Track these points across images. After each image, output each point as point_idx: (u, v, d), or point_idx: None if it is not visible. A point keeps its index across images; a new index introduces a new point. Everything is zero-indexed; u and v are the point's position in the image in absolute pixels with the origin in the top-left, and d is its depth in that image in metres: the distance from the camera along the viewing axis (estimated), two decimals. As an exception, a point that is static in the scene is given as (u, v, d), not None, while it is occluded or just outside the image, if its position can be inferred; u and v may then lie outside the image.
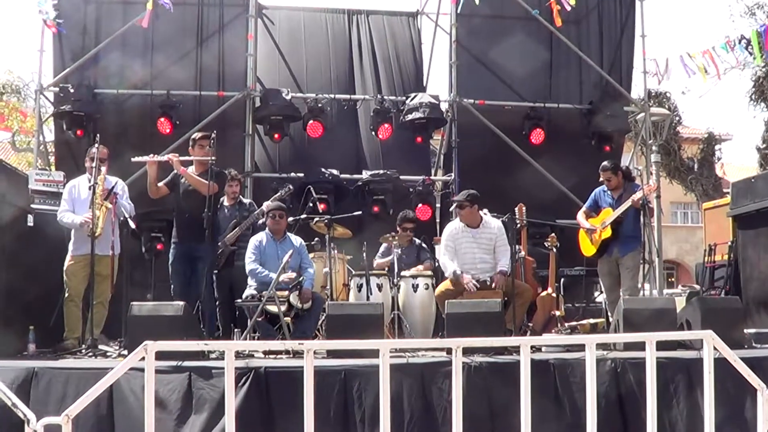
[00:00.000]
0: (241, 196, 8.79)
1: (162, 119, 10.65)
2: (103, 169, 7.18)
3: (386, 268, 8.59)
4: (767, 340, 7.11)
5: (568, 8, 11.22)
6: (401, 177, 11.21)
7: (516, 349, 4.83)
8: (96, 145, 7.20)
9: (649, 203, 7.64)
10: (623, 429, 5.59)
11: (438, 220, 11.72)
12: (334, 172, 11.04)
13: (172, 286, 7.50)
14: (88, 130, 10.44)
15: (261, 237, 7.71)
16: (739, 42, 11.52)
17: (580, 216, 8.22)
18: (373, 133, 11.35)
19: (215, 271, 7.75)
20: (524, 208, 8.66)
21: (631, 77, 12.57)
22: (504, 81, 11.86)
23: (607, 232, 7.77)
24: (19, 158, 21.83)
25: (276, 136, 11.06)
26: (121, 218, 7.27)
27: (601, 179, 8.07)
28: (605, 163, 8.21)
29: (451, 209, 10.89)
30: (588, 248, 8.08)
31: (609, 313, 7.67)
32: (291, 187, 9.20)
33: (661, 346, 4.63)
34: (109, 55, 11.02)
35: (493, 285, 7.55)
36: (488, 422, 5.45)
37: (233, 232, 8.20)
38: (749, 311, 8.07)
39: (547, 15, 11.58)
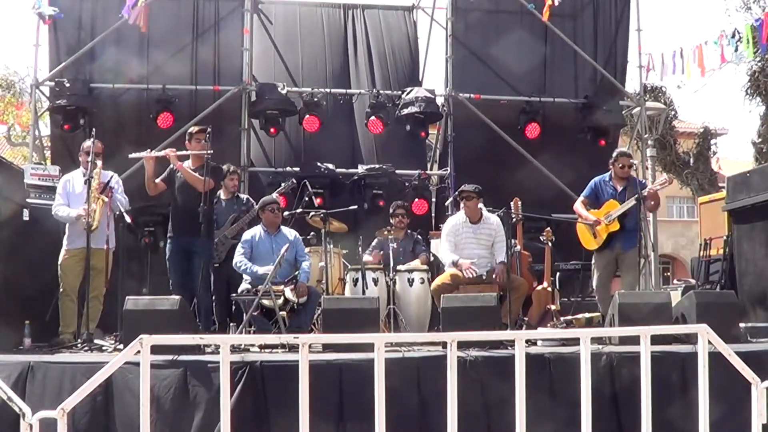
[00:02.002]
0: (237, 192, 8.80)
1: (164, 114, 10.59)
2: (99, 163, 7.18)
3: (380, 261, 8.59)
4: (762, 334, 7.15)
5: (557, 2, 11.21)
6: (397, 171, 11.22)
7: (511, 343, 4.85)
8: (91, 139, 7.20)
9: (645, 198, 7.59)
10: (618, 423, 5.60)
11: (433, 215, 11.73)
12: (330, 166, 11.03)
13: (170, 281, 7.52)
14: (84, 125, 10.42)
15: (254, 232, 7.73)
16: (732, 37, 11.50)
17: (579, 206, 7.85)
18: (366, 127, 11.35)
19: (216, 265, 7.76)
20: (519, 202, 8.66)
21: (626, 72, 12.58)
22: (500, 75, 11.83)
23: (615, 225, 7.52)
24: (15, 153, 21.83)
25: (272, 130, 11.05)
26: (117, 212, 7.28)
27: (620, 165, 7.67)
28: (625, 149, 8.03)
29: (446, 203, 10.91)
30: (589, 241, 7.76)
31: (600, 308, 7.65)
32: (294, 180, 9.24)
33: (657, 340, 4.62)
34: (105, 50, 10.97)
35: (494, 276, 7.58)
36: (483, 416, 5.45)
37: (234, 226, 8.22)
38: (744, 305, 8.09)
39: (543, 9, 11.58)
